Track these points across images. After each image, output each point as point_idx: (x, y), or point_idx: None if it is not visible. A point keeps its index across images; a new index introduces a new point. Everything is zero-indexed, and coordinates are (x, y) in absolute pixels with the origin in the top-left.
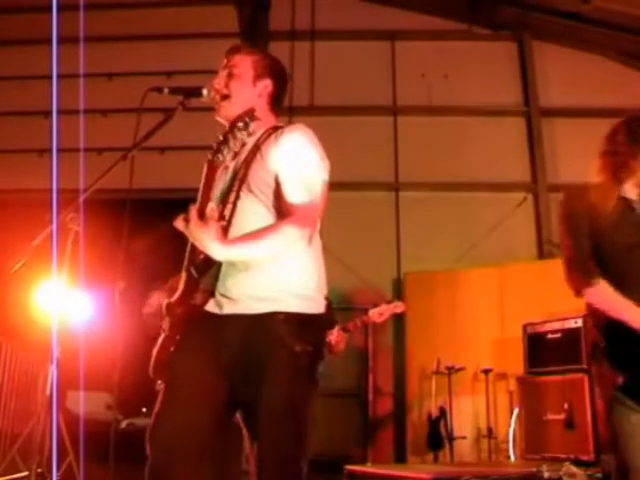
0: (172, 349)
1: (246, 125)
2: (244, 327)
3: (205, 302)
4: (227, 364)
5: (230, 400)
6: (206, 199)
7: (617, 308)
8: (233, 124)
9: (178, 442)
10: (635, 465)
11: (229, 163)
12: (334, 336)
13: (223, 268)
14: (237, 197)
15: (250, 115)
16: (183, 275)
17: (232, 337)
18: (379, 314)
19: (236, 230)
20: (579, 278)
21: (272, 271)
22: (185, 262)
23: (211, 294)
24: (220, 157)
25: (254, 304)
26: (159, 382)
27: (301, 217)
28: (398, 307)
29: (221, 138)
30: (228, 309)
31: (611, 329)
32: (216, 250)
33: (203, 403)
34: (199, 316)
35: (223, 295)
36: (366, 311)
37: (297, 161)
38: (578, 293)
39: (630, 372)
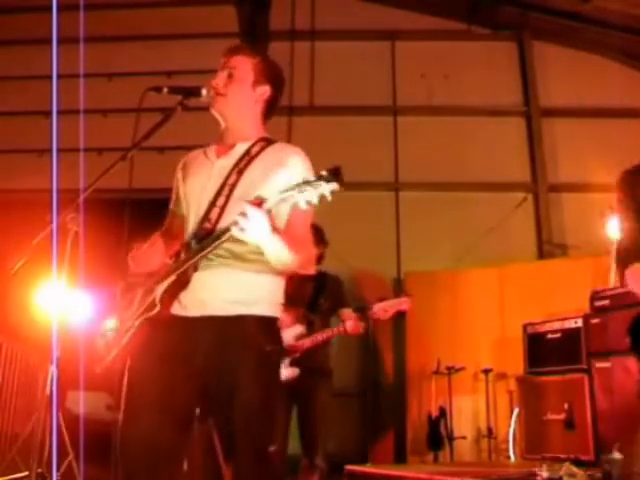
0: (134, 350)
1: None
2: (216, 328)
3: (170, 304)
4: (199, 364)
5: (200, 401)
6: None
7: None
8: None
9: (146, 448)
10: None
11: (214, 161)
12: (351, 322)
13: (196, 273)
14: (226, 202)
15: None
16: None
17: (204, 338)
18: (384, 310)
19: None
20: (621, 261)
21: (247, 278)
22: (172, 263)
23: (174, 296)
24: None
25: (225, 306)
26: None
27: (307, 249)
28: (404, 303)
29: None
30: (197, 311)
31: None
32: (272, 240)
33: (168, 407)
34: (164, 318)
35: (190, 297)
36: (368, 307)
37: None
38: (622, 280)
39: None
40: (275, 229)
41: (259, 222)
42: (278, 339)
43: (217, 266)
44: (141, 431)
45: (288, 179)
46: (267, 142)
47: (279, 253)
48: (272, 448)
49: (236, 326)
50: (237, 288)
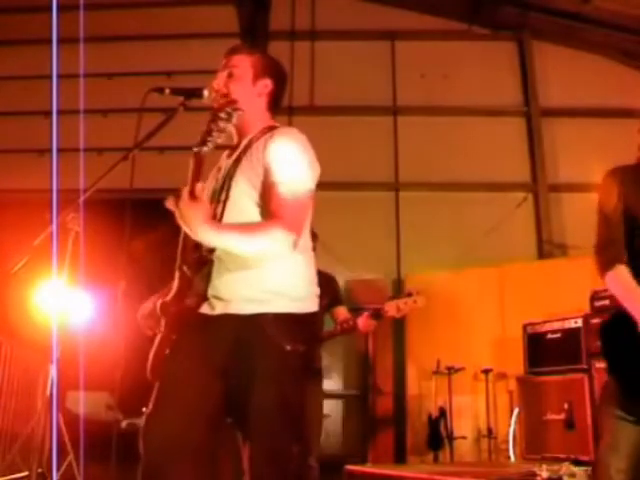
0: (167, 350)
1: (229, 115)
2: (236, 327)
3: (198, 305)
4: (221, 364)
5: (224, 400)
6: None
7: (626, 295)
8: (215, 114)
9: (172, 444)
10: None
11: (222, 162)
12: (362, 321)
13: (214, 269)
14: (227, 196)
15: (232, 105)
16: (176, 274)
17: (225, 337)
18: (397, 308)
19: None
20: (602, 262)
21: (261, 273)
22: (178, 261)
23: (203, 297)
24: (205, 149)
25: (244, 305)
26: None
27: (289, 223)
28: (419, 301)
29: (205, 129)
30: (220, 309)
31: (609, 327)
32: (204, 232)
33: (197, 404)
34: (193, 318)
35: (215, 296)
36: (380, 307)
37: (285, 168)
38: (601, 277)
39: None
40: (211, 221)
41: (183, 211)
42: (303, 336)
43: (232, 263)
44: (165, 428)
45: (266, 162)
46: (268, 129)
47: (231, 244)
48: (293, 448)
49: (253, 326)
50: (254, 285)
